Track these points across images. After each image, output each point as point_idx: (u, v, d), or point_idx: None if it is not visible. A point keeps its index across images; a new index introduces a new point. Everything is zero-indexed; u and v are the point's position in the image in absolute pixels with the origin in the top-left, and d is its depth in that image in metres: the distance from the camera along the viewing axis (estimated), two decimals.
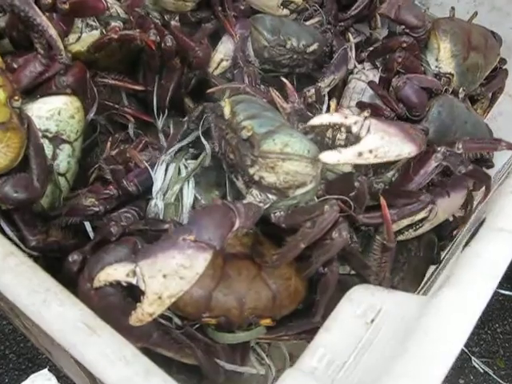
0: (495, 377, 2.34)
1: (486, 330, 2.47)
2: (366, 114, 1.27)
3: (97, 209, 1.33)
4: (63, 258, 1.23)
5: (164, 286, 0.99)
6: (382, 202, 1.20)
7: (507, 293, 2.46)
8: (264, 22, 1.76)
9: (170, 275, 0.98)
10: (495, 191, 1.34)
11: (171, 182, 1.35)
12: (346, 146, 1.20)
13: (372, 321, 1.06)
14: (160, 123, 1.58)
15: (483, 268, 1.02)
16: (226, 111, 1.26)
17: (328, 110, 1.75)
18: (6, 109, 1.18)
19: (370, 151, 1.19)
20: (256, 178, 1.19)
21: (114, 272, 1.02)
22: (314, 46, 1.80)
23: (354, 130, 1.19)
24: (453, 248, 1.52)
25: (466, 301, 0.97)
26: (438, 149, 1.34)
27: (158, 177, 1.35)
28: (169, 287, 0.99)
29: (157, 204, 1.31)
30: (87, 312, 0.99)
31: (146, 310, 1.00)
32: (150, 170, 1.35)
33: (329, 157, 1.19)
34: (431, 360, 0.91)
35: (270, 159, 1.17)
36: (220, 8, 1.73)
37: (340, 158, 1.18)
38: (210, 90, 1.58)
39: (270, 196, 1.21)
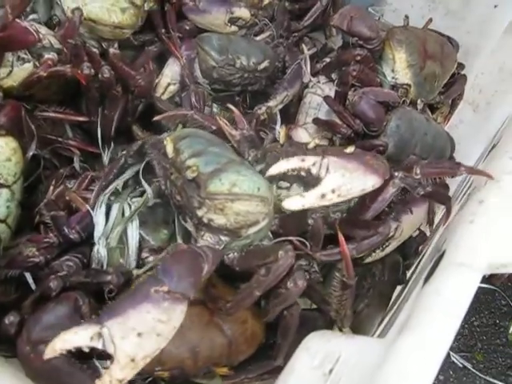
0: (474, 370, 2.32)
1: (463, 324, 2.45)
2: (316, 141, 1.23)
3: (37, 259, 1.25)
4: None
5: (139, 346, 0.89)
6: (341, 238, 1.14)
7: (483, 285, 2.44)
8: (211, 42, 1.68)
9: (145, 333, 0.89)
10: (455, 216, 1.28)
11: (114, 224, 1.27)
12: (306, 187, 1.17)
13: (330, 371, 1.00)
14: (106, 155, 1.49)
15: (443, 308, 0.96)
16: (169, 150, 1.19)
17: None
18: None
19: (333, 191, 1.15)
20: (205, 220, 1.13)
21: (74, 337, 0.90)
22: (265, 63, 1.74)
23: (314, 171, 1.15)
24: (415, 274, 1.47)
25: (427, 344, 0.91)
26: (396, 174, 1.28)
27: (99, 220, 1.27)
28: (144, 347, 0.90)
29: (99, 251, 1.23)
30: None
31: (116, 376, 0.89)
32: (91, 212, 1.26)
33: (292, 203, 1.15)
34: None
35: (218, 201, 1.11)
36: (163, 30, 1.65)
37: (304, 203, 1.14)
38: (156, 118, 1.51)
39: (223, 238, 1.15)
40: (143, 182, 1.29)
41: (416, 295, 1.10)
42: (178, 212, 1.21)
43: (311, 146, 1.26)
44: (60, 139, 1.57)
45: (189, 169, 1.12)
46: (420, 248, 1.62)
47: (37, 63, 1.40)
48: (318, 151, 1.18)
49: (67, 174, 1.55)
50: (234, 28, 1.76)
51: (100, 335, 0.89)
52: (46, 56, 1.40)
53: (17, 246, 1.30)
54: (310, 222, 1.17)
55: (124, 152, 1.36)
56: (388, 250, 1.43)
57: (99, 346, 0.88)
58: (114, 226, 1.27)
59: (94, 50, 1.47)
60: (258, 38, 1.84)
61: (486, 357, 2.39)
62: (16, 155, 1.34)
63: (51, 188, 1.38)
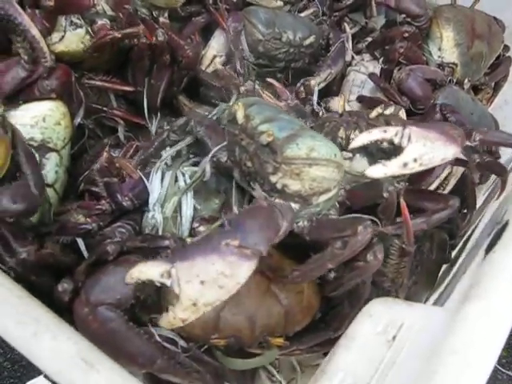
0: (497, 365, 2.28)
1: None
2: (379, 110, 1.35)
3: (89, 227, 1.23)
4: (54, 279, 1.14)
5: (201, 293, 0.89)
6: (403, 205, 1.12)
7: None
8: (258, 15, 1.66)
9: (208, 282, 0.89)
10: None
11: (168, 192, 1.25)
12: (386, 155, 1.15)
13: (394, 338, 0.98)
14: (153, 126, 1.48)
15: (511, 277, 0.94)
16: (240, 115, 1.15)
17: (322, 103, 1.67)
18: None
19: (415, 160, 1.13)
20: (279, 186, 1.09)
21: (148, 270, 0.91)
22: (311, 39, 1.72)
23: (396, 141, 1.13)
24: (466, 249, 1.45)
25: (495, 314, 0.89)
26: None
27: (155, 187, 1.25)
28: (206, 295, 0.90)
29: (155, 217, 1.21)
30: (84, 345, 0.90)
31: (179, 316, 0.91)
32: (145, 180, 1.25)
33: (375, 171, 1.13)
34: (462, 382, 0.82)
35: (295, 165, 1.07)
36: (211, 1, 1.63)
37: (386, 171, 1.13)
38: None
39: (293, 204, 1.11)
40: (201, 158, 1.26)
41: (477, 265, 1.07)
42: (247, 180, 1.18)
43: (373, 115, 1.25)
44: (105, 109, 1.56)
45: (263, 134, 1.09)
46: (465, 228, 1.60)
47: (89, 29, 1.38)
48: (402, 122, 1.19)
49: (112, 144, 1.54)
50: (279, 3, 1.76)
51: (169, 274, 0.89)
52: (100, 22, 1.39)
53: (67, 211, 1.29)
54: (385, 195, 1.14)
55: (168, 127, 1.33)
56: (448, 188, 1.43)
57: (168, 283, 0.89)
58: (169, 195, 1.25)
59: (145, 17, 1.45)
60: (302, 15, 1.82)
61: (510, 351, 2.36)
62: (65, 119, 1.33)
63: (104, 154, 1.35)
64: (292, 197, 1.10)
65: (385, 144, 1.14)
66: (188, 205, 1.24)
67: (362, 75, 1.80)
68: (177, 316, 0.91)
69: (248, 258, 0.91)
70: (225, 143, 1.21)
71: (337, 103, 1.65)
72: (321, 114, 1.45)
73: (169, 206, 1.21)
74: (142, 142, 1.49)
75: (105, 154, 1.41)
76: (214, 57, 1.63)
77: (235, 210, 1.22)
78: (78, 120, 1.41)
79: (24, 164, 1.15)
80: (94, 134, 1.57)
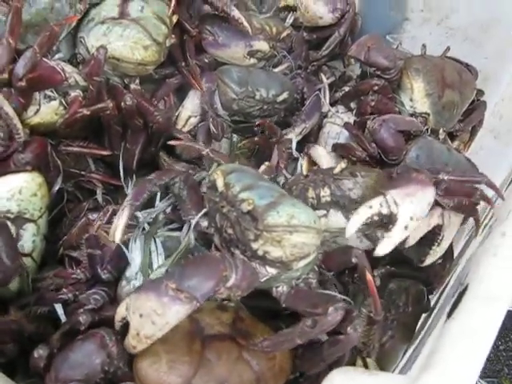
0: None
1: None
2: (342, 165, 1.37)
3: (65, 297, 1.27)
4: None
5: (140, 324, 1.01)
6: (368, 276, 1.15)
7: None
8: (231, 74, 1.70)
9: (144, 316, 1.00)
10: (478, 249, 1.28)
11: (152, 260, 1.28)
12: (382, 225, 1.22)
13: None
14: (129, 189, 1.51)
15: (469, 343, 0.95)
16: (219, 183, 1.19)
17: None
18: None
19: (411, 218, 1.20)
20: (260, 252, 1.13)
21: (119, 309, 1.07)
22: (284, 95, 1.76)
23: (385, 211, 1.19)
24: (437, 307, 1.46)
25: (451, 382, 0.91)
26: None
27: (136, 257, 1.28)
28: (144, 327, 1.01)
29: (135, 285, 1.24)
30: None
31: (130, 342, 1.04)
32: (125, 251, 1.28)
33: (385, 248, 1.20)
34: None
35: (276, 233, 1.10)
36: (184, 63, 1.67)
37: (394, 241, 1.20)
38: (171, 142, 1.54)
39: (271, 269, 1.14)
40: (187, 225, 1.29)
41: (439, 330, 1.09)
42: (227, 246, 1.21)
43: (337, 170, 1.29)
44: (83, 173, 1.59)
45: (243, 202, 1.12)
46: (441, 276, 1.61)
47: (63, 100, 1.42)
48: (378, 191, 1.22)
49: (90, 207, 1.57)
50: (253, 60, 1.79)
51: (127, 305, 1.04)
52: (73, 94, 1.43)
53: (44, 280, 1.32)
54: (354, 259, 1.17)
55: (152, 178, 1.31)
56: (444, 244, 1.43)
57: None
58: (153, 262, 1.28)
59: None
60: (276, 70, 1.86)
61: None
62: (42, 189, 1.37)
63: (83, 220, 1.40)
64: (273, 262, 1.13)
65: (375, 218, 1.18)
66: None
67: (337, 127, 1.83)
68: (128, 343, 1.04)
69: (181, 302, 0.98)
70: (205, 210, 1.23)
71: (319, 152, 1.68)
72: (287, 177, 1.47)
73: (157, 273, 1.23)
74: (119, 205, 1.52)
75: (83, 220, 1.45)
76: (189, 117, 1.67)
77: None
78: (55, 188, 1.45)
79: None
80: (73, 197, 1.60)
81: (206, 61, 1.73)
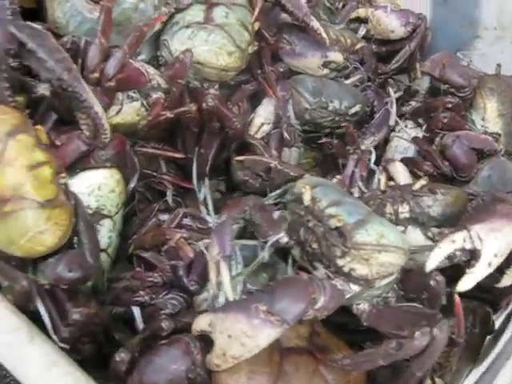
0: None
1: None
2: (422, 182, 1.36)
3: (142, 299, 1.28)
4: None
5: (228, 345, 1.01)
6: (456, 298, 1.16)
7: None
8: (305, 84, 1.71)
9: (233, 337, 1.00)
10: None
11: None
12: (461, 256, 1.20)
13: None
14: (202, 194, 1.52)
15: None
16: (306, 197, 1.19)
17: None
18: (53, 186, 1.16)
19: (495, 255, 1.18)
20: (346, 269, 1.13)
21: (199, 323, 1.08)
22: (356, 108, 1.76)
23: (468, 246, 1.18)
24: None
25: None
26: None
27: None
28: (232, 348, 1.01)
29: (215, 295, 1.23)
30: None
31: (213, 361, 1.04)
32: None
33: (467, 284, 1.19)
34: None
35: (365, 251, 1.11)
36: (259, 70, 1.67)
37: (477, 278, 1.19)
38: (238, 158, 1.55)
39: (354, 287, 1.14)
40: (262, 243, 1.25)
41: None
42: (309, 259, 1.20)
43: (417, 187, 1.29)
44: (155, 174, 1.61)
45: (332, 218, 1.13)
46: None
47: (144, 102, 1.44)
48: (462, 225, 1.20)
49: (161, 208, 1.59)
50: (326, 71, 1.79)
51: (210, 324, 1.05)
52: (154, 95, 1.44)
53: (120, 280, 1.34)
54: (432, 283, 1.16)
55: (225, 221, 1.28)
56: None
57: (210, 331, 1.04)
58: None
59: None
60: (348, 81, 1.85)
61: None
62: (119, 186, 1.39)
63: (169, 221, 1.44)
64: (357, 280, 1.13)
65: (458, 253, 1.18)
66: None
67: (404, 142, 1.83)
68: (212, 361, 1.05)
69: (272, 325, 0.98)
70: (281, 235, 1.22)
71: (397, 168, 1.67)
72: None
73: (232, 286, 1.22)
74: (190, 208, 1.54)
75: (153, 221, 1.47)
76: (262, 124, 1.67)
77: None
78: (131, 186, 1.46)
79: (83, 233, 1.20)
80: (142, 197, 1.62)
81: (281, 69, 1.72)
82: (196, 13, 1.51)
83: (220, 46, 1.47)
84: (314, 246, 1.17)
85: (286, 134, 1.64)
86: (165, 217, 1.53)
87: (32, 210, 1.12)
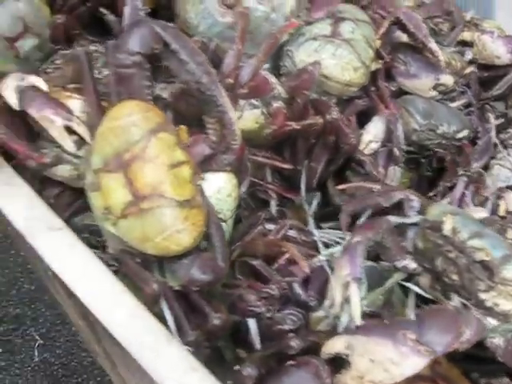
0: None
1: None
2: None
3: (259, 310, 1.26)
4: None
5: (368, 369, 0.98)
6: None
7: None
8: (416, 105, 1.69)
9: (376, 362, 0.97)
10: None
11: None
12: None
13: None
14: (311, 209, 1.50)
15: None
16: (447, 227, 1.16)
17: None
18: (191, 186, 1.16)
19: None
20: (488, 304, 1.10)
21: (334, 345, 1.05)
22: (464, 133, 1.74)
23: None
24: None
25: None
26: None
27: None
28: (372, 373, 0.98)
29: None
30: None
31: (347, 381, 1.01)
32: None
33: None
34: None
35: None
36: (373, 87, 1.66)
37: None
38: (341, 187, 1.52)
39: (493, 321, 1.11)
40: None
41: None
42: (444, 289, 1.18)
43: None
44: (261, 182, 1.60)
45: (477, 251, 1.10)
46: None
47: (264, 110, 1.44)
48: None
49: (265, 217, 1.58)
50: (434, 93, 1.77)
51: (349, 345, 1.01)
52: (275, 105, 1.44)
53: (236, 287, 1.32)
54: None
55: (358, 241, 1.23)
56: None
57: (347, 353, 1.01)
58: None
59: None
60: (453, 105, 1.83)
61: None
62: (235, 191, 1.37)
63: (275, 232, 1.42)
64: (498, 314, 1.10)
65: None
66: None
67: (507, 171, 1.79)
68: (345, 381, 1.01)
69: (420, 354, 0.96)
70: (410, 261, 1.21)
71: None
72: None
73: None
74: (295, 222, 1.53)
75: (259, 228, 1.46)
76: (370, 142, 1.66)
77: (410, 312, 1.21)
78: (243, 190, 1.45)
79: (214, 236, 1.20)
80: (246, 205, 1.61)
81: (393, 88, 1.71)
82: (323, 26, 1.52)
83: (347, 61, 1.47)
84: (454, 277, 1.15)
85: (397, 152, 1.62)
86: (271, 226, 1.52)
87: (170, 209, 1.12)
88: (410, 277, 1.27)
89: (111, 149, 1.14)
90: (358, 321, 1.12)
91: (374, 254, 1.28)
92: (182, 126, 1.20)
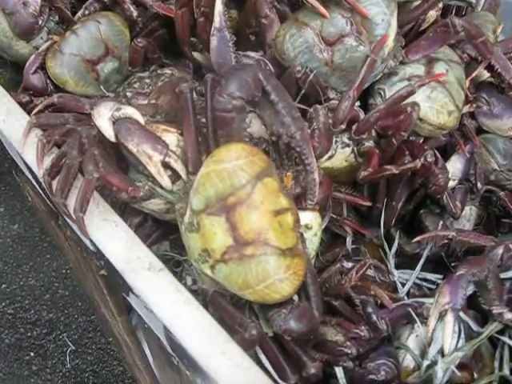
0: None
1: None
2: None
3: (348, 350, 1.24)
4: None
5: None
6: None
7: None
8: (497, 145, 1.68)
9: None
10: None
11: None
12: None
13: None
14: (391, 254, 1.48)
15: None
16: None
17: None
18: (294, 234, 1.14)
19: None
20: None
21: None
22: None
23: None
24: None
25: None
26: None
27: (437, 336, 1.23)
28: None
29: (435, 370, 1.19)
30: None
31: None
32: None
33: None
34: None
35: None
36: None
37: None
38: (416, 239, 1.48)
39: None
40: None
41: None
42: None
43: None
44: (339, 217, 1.58)
45: None
46: None
47: (355, 149, 1.43)
48: None
49: (343, 254, 1.57)
50: (511, 133, 1.74)
51: None
52: (367, 144, 1.43)
53: (324, 324, 1.31)
54: None
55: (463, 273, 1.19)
56: None
57: None
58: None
59: None
60: None
61: None
62: (320, 230, 1.36)
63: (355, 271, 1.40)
64: None
65: None
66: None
67: None
68: None
69: None
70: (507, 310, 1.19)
71: None
72: None
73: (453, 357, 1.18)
74: (375, 261, 1.51)
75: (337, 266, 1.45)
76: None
77: None
78: (323, 225, 1.43)
79: (310, 285, 1.19)
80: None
81: (471, 126, 1.69)
82: (417, 66, 1.49)
83: (442, 104, 1.44)
84: None
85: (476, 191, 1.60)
86: (350, 264, 1.50)
87: (274, 257, 1.10)
88: (503, 330, 1.25)
89: (215, 191, 1.12)
90: (447, 349, 1.11)
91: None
92: (289, 173, 1.18)
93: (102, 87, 1.66)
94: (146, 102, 1.50)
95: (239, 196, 1.12)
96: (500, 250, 1.33)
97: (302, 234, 1.18)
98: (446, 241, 1.48)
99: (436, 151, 1.52)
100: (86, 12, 1.72)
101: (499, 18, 1.98)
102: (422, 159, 1.38)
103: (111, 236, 1.18)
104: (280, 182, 1.16)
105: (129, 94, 1.62)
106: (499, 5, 1.98)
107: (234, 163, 1.13)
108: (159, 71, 1.73)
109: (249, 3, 1.55)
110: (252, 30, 1.57)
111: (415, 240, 1.50)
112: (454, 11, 1.86)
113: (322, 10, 1.34)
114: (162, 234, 1.48)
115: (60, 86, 1.65)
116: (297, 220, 1.16)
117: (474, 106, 1.59)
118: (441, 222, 1.62)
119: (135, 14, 1.65)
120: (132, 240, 1.17)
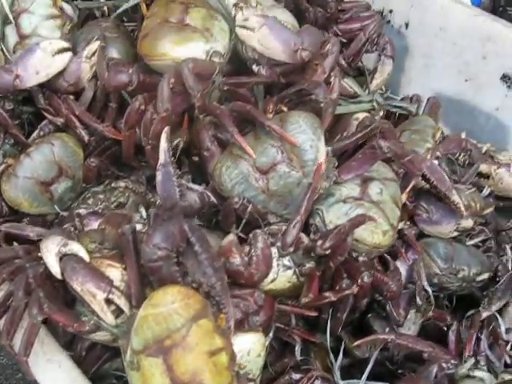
0: None
1: None
2: None
3: None
4: None
5: None
6: None
7: None
8: (438, 250, 1.74)
9: None
10: None
11: None
12: None
13: None
14: (337, 365, 1.53)
15: None
16: None
17: None
18: (229, 372, 1.19)
19: None
20: None
21: None
22: (484, 276, 1.78)
23: None
24: None
25: None
26: None
27: None
28: None
29: None
30: None
31: None
32: None
33: None
34: None
35: None
36: None
37: None
38: (356, 343, 1.57)
39: None
40: None
41: None
42: None
43: None
44: (286, 327, 1.64)
45: None
46: None
47: (297, 270, 1.49)
48: None
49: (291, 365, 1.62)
50: (454, 233, 1.82)
51: None
52: (308, 265, 1.49)
53: None
54: None
55: None
56: None
57: None
58: None
59: None
60: (471, 242, 1.88)
61: None
62: (264, 350, 1.41)
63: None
64: None
65: None
66: None
67: None
68: None
69: None
70: None
71: None
72: None
73: None
74: (321, 373, 1.56)
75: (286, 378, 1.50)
76: None
77: None
78: (267, 342, 1.48)
79: None
80: (270, 349, 1.64)
81: (413, 232, 1.76)
82: (352, 186, 1.57)
83: (376, 225, 1.51)
84: None
85: (418, 300, 1.66)
86: (297, 376, 1.56)
87: None
88: None
89: (152, 334, 1.18)
90: None
91: None
92: (223, 315, 1.24)
93: (56, 206, 1.72)
94: (97, 224, 1.57)
95: (175, 339, 1.17)
96: (434, 369, 1.39)
97: (237, 373, 1.22)
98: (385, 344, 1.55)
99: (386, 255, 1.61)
100: (41, 133, 1.79)
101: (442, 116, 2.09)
102: (359, 281, 1.44)
103: (55, 378, 1.22)
104: (214, 322, 1.21)
105: (82, 212, 1.68)
106: (439, 107, 2.08)
107: (169, 307, 1.19)
108: (113, 184, 1.80)
109: (194, 128, 1.63)
110: (197, 151, 1.64)
111: (356, 344, 1.58)
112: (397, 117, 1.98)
113: (249, 150, 1.43)
114: (112, 354, 1.53)
115: (14, 208, 1.71)
116: (232, 358, 1.21)
117: (408, 225, 1.65)
118: (387, 328, 1.68)
119: (86, 138, 1.73)
120: (75, 381, 1.21)
